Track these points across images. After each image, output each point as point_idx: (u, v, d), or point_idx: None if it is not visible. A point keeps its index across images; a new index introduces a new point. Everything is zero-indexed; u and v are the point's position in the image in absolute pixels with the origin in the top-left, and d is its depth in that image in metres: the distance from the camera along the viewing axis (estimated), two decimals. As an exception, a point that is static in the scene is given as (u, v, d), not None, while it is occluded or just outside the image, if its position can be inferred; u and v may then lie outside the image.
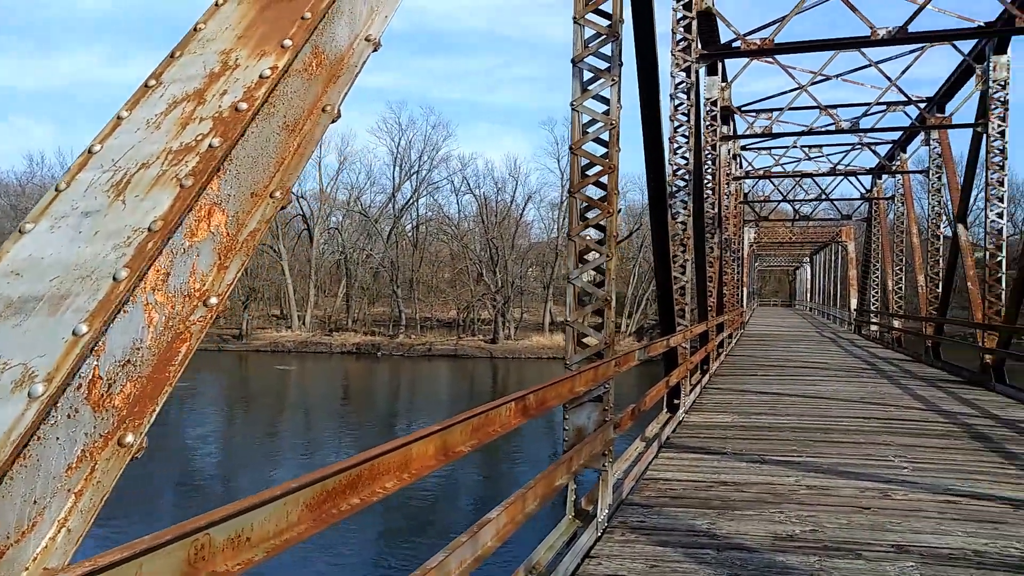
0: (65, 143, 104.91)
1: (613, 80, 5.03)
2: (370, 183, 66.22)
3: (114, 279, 1.25)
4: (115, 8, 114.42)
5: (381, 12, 1.89)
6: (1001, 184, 13.17)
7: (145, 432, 1.24)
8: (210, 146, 1.44)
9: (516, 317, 54.00)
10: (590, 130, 5.11)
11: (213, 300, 1.42)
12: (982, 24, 10.30)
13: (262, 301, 57.94)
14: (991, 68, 13.26)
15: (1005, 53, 13.24)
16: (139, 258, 1.27)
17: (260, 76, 1.56)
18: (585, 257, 5.17)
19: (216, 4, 1.74)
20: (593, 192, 5.14)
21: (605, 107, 5.07)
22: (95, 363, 1.19)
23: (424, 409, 28.74)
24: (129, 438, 1.22)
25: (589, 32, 5.14)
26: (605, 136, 5.06)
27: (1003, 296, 13.06)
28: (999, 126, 13.17)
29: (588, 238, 5.12)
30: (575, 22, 5.15)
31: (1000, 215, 13.28)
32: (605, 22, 5.13)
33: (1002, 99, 13.23)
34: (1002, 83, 13.24)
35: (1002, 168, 13.19)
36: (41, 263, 1.29)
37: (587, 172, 5.15)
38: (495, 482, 16.57)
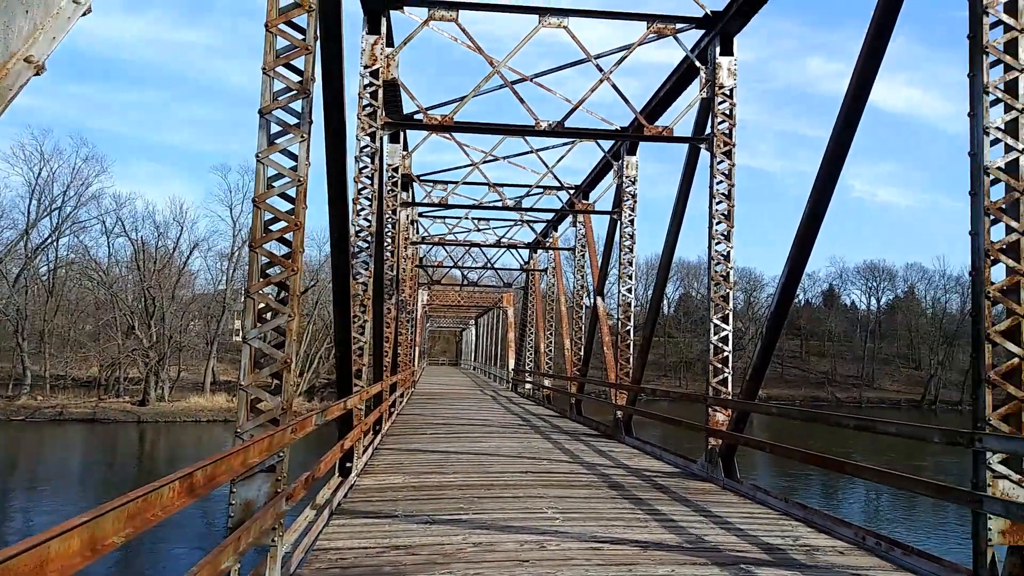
0: None
1: (303, 136, 4.93)
2: (-4, 217, 55.87)
3: None
4: None
5: (48, 32, 1.61)
6: (630, 264, 15.53)
7: None
8: None
9: (172, 376, 49.11)
10: (276, 184, 4.92)
11: None
12: (619, 128, 12.19)
13: None
14: (625, 166, 15.73)
15: (635, 155, 15.82)
16: None
17: None
18: (264, 316, 4.90)
19: None
20: (276, 248, 4.92)
21: (293, 163, 4.94)
22: None
23: (53, 487, 24.40)
24: None
25: (279, 85, 4.99)
26: (292, 192, 4.91)
27: (632, 359, 15.23)
28: (629, 215, 15.59)
29: (269, 296, 4.86)
30: (264, 73, 4.97)
31: (630, 290, 15.62)
32: (296, 77, 5.04)
33: (632, 193, 15.72)
34: (632, 179, 15.74)
35: (631, 250, 15.57)
36: None
37: (271, 227, 4.93)
38: (149, 567, 14.60)
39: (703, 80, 11.05)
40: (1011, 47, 5.38)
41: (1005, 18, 5.40)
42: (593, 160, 17.92)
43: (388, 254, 13.43)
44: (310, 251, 56.41)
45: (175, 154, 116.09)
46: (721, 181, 10.60)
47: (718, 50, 10.79)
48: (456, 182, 18.19)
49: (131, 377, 48.58)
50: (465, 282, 34.76)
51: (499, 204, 19.26)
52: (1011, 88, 5.35)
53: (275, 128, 4.95)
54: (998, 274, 5.23)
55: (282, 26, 5.04)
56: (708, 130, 10.94)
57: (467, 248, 28.85)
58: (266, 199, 4.87)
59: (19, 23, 1.53)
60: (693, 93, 11.29)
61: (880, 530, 6.38)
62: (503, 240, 25.94)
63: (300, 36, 5.07)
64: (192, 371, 52.91)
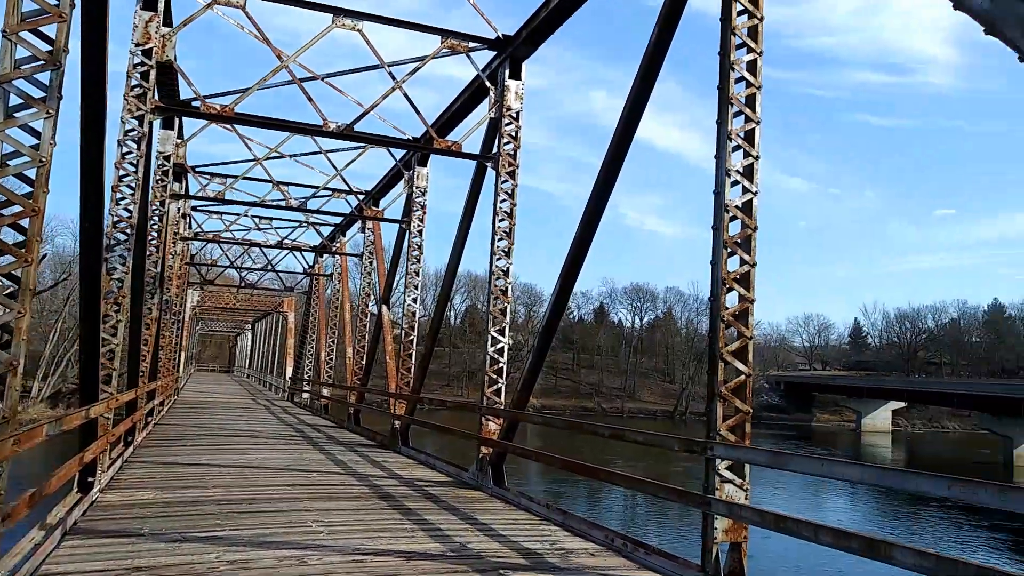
0: None
1: (49, 112, 4.39)
2: None
3: None
4: None
5: None
6: (417, 274, 15.62)
7: None
8: None
9: None
10: (12, 163, 4.34)
11: None
12: (410, 138, 12.26)
13: None
14: (415, 176, 15.82)
15: (426, 166, 15.98)
16: None
17: None
18: (-13, 311, 4.29)
19: None
20: (8, 236, 4.33)
21: (35, 140, 4.38)
22: None
23: None
24: None
25: (23, 52, 4.41)
26: (31, 173, 4.35)
27: (413, 369, 15.28)
28: (418, 225, 15.69)
29: (-7, 290, 4.27)
30: (4, 36, 4.37)
31: (415, 300, 15.69)
32: (45, 47, 4.49)
33: (422, 203, 15.84)
34: (422, 190, 15.87)
35: (419, 261, 15.68)
36: None
37: (2, 211, 4.33)
38: None
39: (492, 100, 11.45)
40: (751, 101, 6.17)
41: (747, 76, 6.18)
42: (386, 167, 17.84)
43: (153, 249, 12.36)
44: (64, 240, 50.49)
45: None
46: (504, 200, 11.01)
47: (507, 73, 11.23)
48: (236, 176, 17.14)
49: None
50: (243, 284, 32.82)
51: (283, 203, 18.48)
52: (749, 137, 6.13)
53: (15, 100, 4.37)
54: (733, 300, 5.94)
55: (30, -14, 4.48)
56: (495, 149, 11.32)
57: (246, 248, 27.29)
58: (-1, 178, 4.27)
59: None
60: (483, 112, 11.66)
61: (632, 532, 6.94)
62: (286, 242, 24.89)
63: (53, 1, 4.53)
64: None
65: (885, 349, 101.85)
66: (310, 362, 30.00)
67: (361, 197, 20.27)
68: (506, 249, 10.90)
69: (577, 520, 7.37)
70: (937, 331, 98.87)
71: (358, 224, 22.45)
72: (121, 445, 11.19)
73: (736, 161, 6.06)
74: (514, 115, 11.21)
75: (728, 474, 5.63)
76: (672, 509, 22.06)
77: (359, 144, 14.97)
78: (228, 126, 13.01)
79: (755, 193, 6.05)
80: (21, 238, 4.31)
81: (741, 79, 6.16)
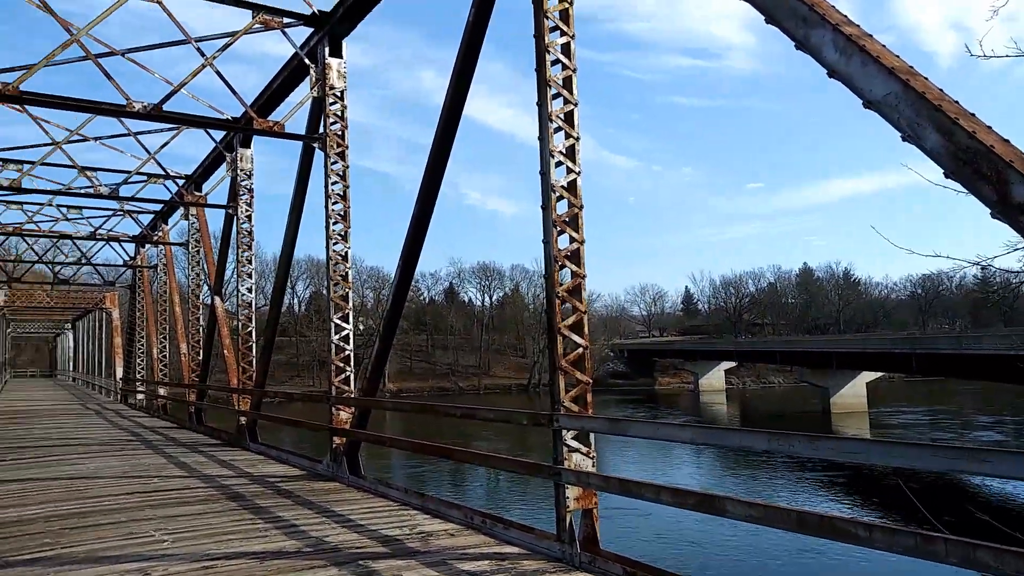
0: None
1: None
2: None
3: None
4: None
5: None
6: (250, 261, 14.85)
7: None
8: None
9: None
10: None
11: None
12: (229, 118, 11.52)
13: None
14: (239, 158, 14.95)
15: (249, 147, 15.11)
16: None
17: None
18: None
19: None
20: None
21: None
22: None
23: None
24: None
25: None
26: None
27: (255, 362, 14.59)
28: (246, 210, 14.87)
29: None
30: None
31: (250, 289, 14.93)
32: None
33: (248, 187, 15.00)
34: (248, 173, 15.03)
35: (250, 247, 14.89)
36: None
37: None
38: None
39: (314, 79, 11.01)
40: (568, 83, 6.29)
41: (563, 58, 6.30)
42: (208, 148, 16.72)
43: (-62, 247, 10.93)
44: None
45: None
46: (336, 182, 10.67)
47: (327, 50, 10.84)
48: (33, 162, 15.36)
49: None
50: (56, 280, 29.83)
51: (92, 191, 16.87)
52: (569, 118, 6.26)
53: None
54: (566, 277, 6.09)
55: None
56: (321, 129, 10.93)
57: (55, 240, 24.72)
58: None
59: None
60: (305, 91, 11.18)
61: (494, 509, 7.01)
62: (101, 232, 22.75)
63: None
64: None
65: (714, 314, 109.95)
66: (142, 360, 27.94)
67: (181, 182, 18.94)
68: (342, 233, 10.59)
69: (435, 502, 7.36)
70: (757, 294, 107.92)
71: (181, 211, 20.95)
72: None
73: (559, 142, 6.18)
74: (338, 94, 10.85)
75: (574, 443, 5.80)
76: (533, 483, 22.67)
77: (172, 126, 13.92)
78: (16, 106, 11.63)
79: (578, 173, 6.18)
80: None
81: (557, 62, 6.26)
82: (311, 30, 11.00)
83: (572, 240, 6.10)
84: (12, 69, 9.57)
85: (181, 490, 8.99)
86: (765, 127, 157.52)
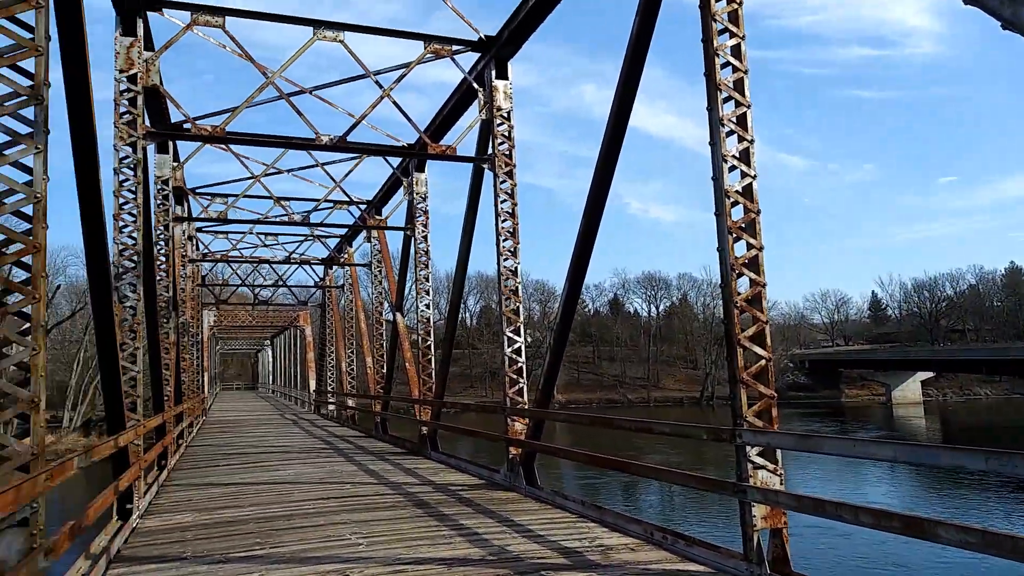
0: None
1: (38, 148, 4.35)
2: None
3: None
4: None
5: None
6: (427, 279, 15.58)
7: None
8: None
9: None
10: (7, 201, 4.30)
11: None
12: (405, 145, 12.19)
13: None
14: (414, 182, 15.75)
15: (423, 171, 15.90)
16: None
17: None
18: (4, 350, 4.26)
19: None
20: (14, 274, 4.30)
21: (28, 177, 4.35)
22: None
23: None
24: None
25: (4, 89, 4.36)
26: (28, 210, 4.32)
27: (434, 374, 15.23)
28: (422, 231, 15.63)
29: (6, 327, 4.23)
30: (-16, 73, 4.33)
31: (428, 305, 15.65)
32: (26, 82, 4.44)
33: (424, 209, 15.78)
34: (423, 196, 15.81)
35: (427, 266, 15.63)
36: None
37: (4, 250, 4.30)
38: None
39: (482, 102, 11.38)
40: (739, 85, 6.05)
41: (733, 60, 6.07)
42: (386, 173, 17.78)
43: (162, 273, 12.37)
44: (76, 270, 50.85)
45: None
46: (505, 200, 10.93)
47: (494, 73, 11.18)
48: (237, 195, 17.13)
49: None
50: (256, 301, 32.93)
51: (286, 219, 18.48)
52: (742, 121, 6.02)
53: (3, 138, 4.33)
54: (744, 286, 5.82)
55: (4, 22, 4.44)
56: (490, 150, 11.24)
57: (255, 265, 27.38)
58: (-4, 219, 4.24)
59: None
60: (474, 114, 11.58)
61: (671, 525, 6.83)
62: (294, 256, 24.89)
63: (28, 35, 4.49)
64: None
65: (906, 320, 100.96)
66: (332, 373, 30.07)
67: (363, 207, 20.24)
68: (512, 249, 10.81)
69: (614, 515, 7.28)
70: (957, 298, 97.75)
71: (363, 234, 22.43)
72: (155, 470, 11.23)
73: (731, 146, 5.97)
74: (505, 115, 11.13)
75: (760, 460, 5.52)
76: (707, 499, 21.87)
77: (354, 155, 14.91)
78: (222, 146, 12.97)
79: (754, 177, 5.94)
80: (26, 275, 4.28)
81: (727, 64, 6.05)
82: (478, 55, 11.42)
83: (749, 247, 5.85)
84: (217, 113, 10.72)
85: (372, 496, 9.47)
86: (955, 116, 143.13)
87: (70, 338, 49.92)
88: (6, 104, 4.32)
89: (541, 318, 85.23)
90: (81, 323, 48.99)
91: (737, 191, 5.90)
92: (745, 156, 5.97)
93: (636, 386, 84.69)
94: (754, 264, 5.84)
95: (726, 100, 6.01)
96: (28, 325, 4.26)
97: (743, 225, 5.86)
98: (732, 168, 5.93)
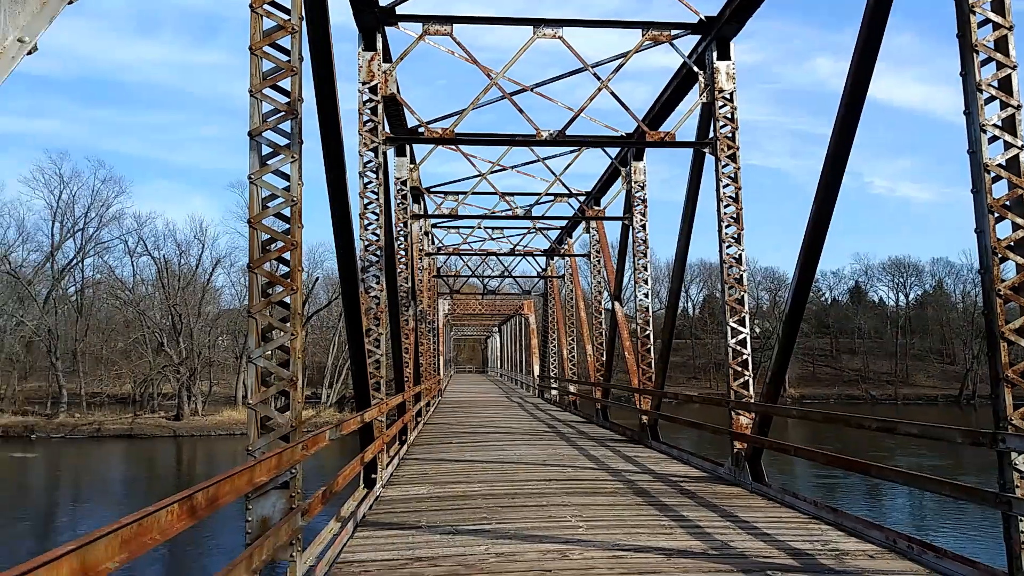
0: None
1: (294, 157, 4.95)
2: (22, 240, 57.25)
3: None
4: None
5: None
6: (645, 268, 15.45)
7: None
8: None
9: (204, 390, 49.66)
10: (270, 205, 4.95)
11: None
12: (623, 135, 12.14)
13: None
14: (632, 171, 15.65)
15: (642, 160, 15.73)
16: None
17: None
18: (268, 335, 4.90)
19: None
20: (274, 268, 4.93)
21: (286, 183, 4.96)
22: None
23: (97, 503, 24.71)
24: None
25: (267, 107, 5.02)
26: (287, 212, 4.94)
27: (653, 364, 15.09)
28: (641, 220, 15.50)
29: (270, 315, 4.87)
30: (252, 95, 4.99)
31: (646, 294, 15.51)
32: (284, 99, 5.06)
33: (642, 198, 15.63)
34: (641, 184, 15.66)
35: (645, 255, 15.50)
36: None
37: (268, 247, 4.95)
38: (186, 571, 14.75)
39: (702, 85, 10.99)
40: (1002, 44, 5.29)
41: (993, 16, 5.31)
42: (604, 164, 17.88)
43: (402, 266, 13.47)
44: (331, 263, 56.79)
45: (192, 173, 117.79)
46: (728, 184, 10.49)
47: (715, 55, 10.74)
48: (466, 192, 18.24)
49: (165, 393, 49.20)
50: (485, 291, 34.81)
51: (510, 213, 19.27)
52: (1005, 85, 5.27)
53: (266, 149, 4.98)
54: (1009, 271, 5.10)
55: (267, 48, 5.05)
56: (711, 134, 10.86)
57: (484, 257, 28.95)
58: (261, 219, 4.89)
59: None
60: (694, 98, 11.24)
61: (920, 535, 6.22)
62: (518, 248, 25.94)
63: (285, 58, 5.10)
64: (224, 385, 53.49)
65: None
66: (554, 360, 30.91)
67: (582, 199, 20.49)
68: (735, 235, 10.37)
69: (852, 519, 6.76)
70: None
71: (583, 225, 22.75)
72: (396, 444, 12.28)
73: (991, 114, 5.26)
74: (727, 96, 10.67)
75: (1028, 468, 4.82)
76: (968, 511, 19.50)
77: (573, 147, 15.12)
78: (452, 146, 13.81)
79: (1021, 148, 5.17)
80: (286, 269, 4.92)
81: (985, 21, 5.32)
82: (698, 37, 11.08)
83: (1016, 227, 5.12)
84: (448, 116, 11.45)
85: (592, 481, 9.60)
86: None
87: (327, 324, 56.02)
88: (268, 120, 4.99)
89: (771, 307, 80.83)
90: (336, 311, 54.71)
91: (999, 164, 5.21)
92: (1009, 124, 5.25)
93: (881, 382, 77.50)
94: (1021, 247, 5.11)
95: (984, 62, 5.31)
96: (288, 313, 4.89)
97: (1007, 203, 5.16)
98: (993, 139, 5.25)
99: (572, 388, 25.39)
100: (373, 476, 8.75)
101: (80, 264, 54.75)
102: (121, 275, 56.45)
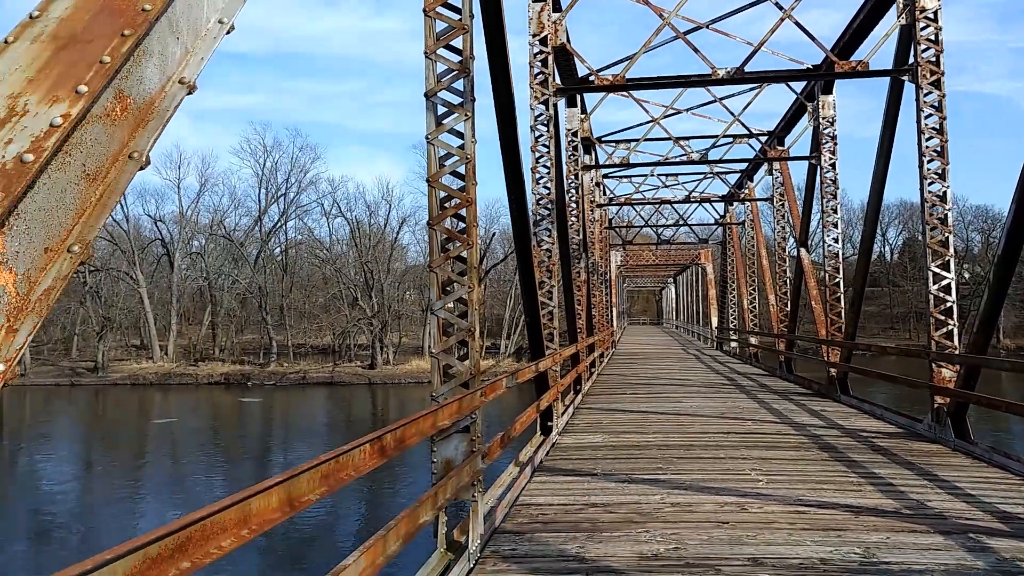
0: None
1: (467, 115, 5.09)
2: (234, 206, 63.78)
3: None
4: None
5: (197, 54, 1.82)
6: (835, 211, 14.39)
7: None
8: (-11, 202, 1.33)
9: (395, 341, 53.26)
10: (447, 163, 5.14)
11: (0, 366, 1.29)
12: (809, 67, 11.26)
13: (119, 331, 54.19)
14: (820, 106, 14.51)
15: (831, 93, 14.52)
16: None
17: (51, 124, 1.45)
18: (448, 288, 5.16)
19: (5, 42, 1.61)
20: (452, 224, 5.15)
21: (460, 141, 5.13)
22: None
23: (305, 439, 27.62)
24: None
25: (441, 67, 5.18)
26: (461, 170, 5.11)
27: (843, 313, 14.18)
28: (830, 159, 14.40)
29: (449, 269, 5.12)
30: (427, 56, 5.17)
31: (836, 239, 14.50)
32: (456, 58, 5.19)
33: (831, 134, 14.49)
34: (830, 120, 14.50)
35: (835, 197, 14.42)
36: None
37: (445, 204, 5.18)
38: (378, 507, 16.19)
39: (900, 5, 9.93)
40: None
41: None
42: (788, 101, 16.75)
43: (573, 218, 13.52)
44: (507, 219, 58.13)
45: (378, 137, 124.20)
46: (930, 115, 9.48)
47: (916, -32, 9.61)
48: (638, 140, 17.82)
49: (360, 344, 53.41)
50: (659, 240, 34.14)
51: (685, 158, 18.62)
52: None
53: (441, 109, 5.16)
54: None
55: (439, 9, 5.19)
56: (911, 60, 9.82)
57: (657, 206, 28.30)
58: (439, 178, 5.11)
59: (172, 49, 1.75)
60: (891, 21, 10.16)
61: None
62: (694, 195, 25.06)
63: (456, 16, 5.21)
64: (412, 336, 56.96)
65: None
66: (733, 311, 29.89)
67: (764, 139, 19.35)
68: (939, 171, 9.40)
69: (1076, 484, 6.07)
70: None
71: (764, 167, 21.53)
72: (571, 394, 12.54)
73: None
74: (930, 16, 9.58)
75: None
76: None
77: (753, 84, 14.26)
78: (623, 93, 13.52)
79: None
80: (463, 225, 5.13)
81: None
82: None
83: None
84: (618, 62, 11.22)
85: (773, 435, 9.30)
86: None
87: (503, 278, 57.75)
88: (442, 80, 5.18)
89: (983, 250, 72.61)
90: (512, 265, 56.14)
91: None
92: None
93: (1124, 332, 67.57)
94: None
95: None
96: (465, 267, 5.12)
97: None
98: None
99: (753, 340, 24.49)
100: (549, 424, 9.02)
101: (284, 226, 59.98)
102: (319, 235, 61.32)
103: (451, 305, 5.09)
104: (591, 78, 11.02)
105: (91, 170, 1.52)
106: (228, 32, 1.99)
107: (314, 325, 56.81)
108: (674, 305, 65.03)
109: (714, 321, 35.56)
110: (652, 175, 22.87)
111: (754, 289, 26.00)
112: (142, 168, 1.64)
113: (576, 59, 11.33)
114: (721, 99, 15.50)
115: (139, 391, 44.06)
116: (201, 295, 58.78)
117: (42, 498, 18.46)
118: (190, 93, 1.79)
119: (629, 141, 19.05)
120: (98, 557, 1.46)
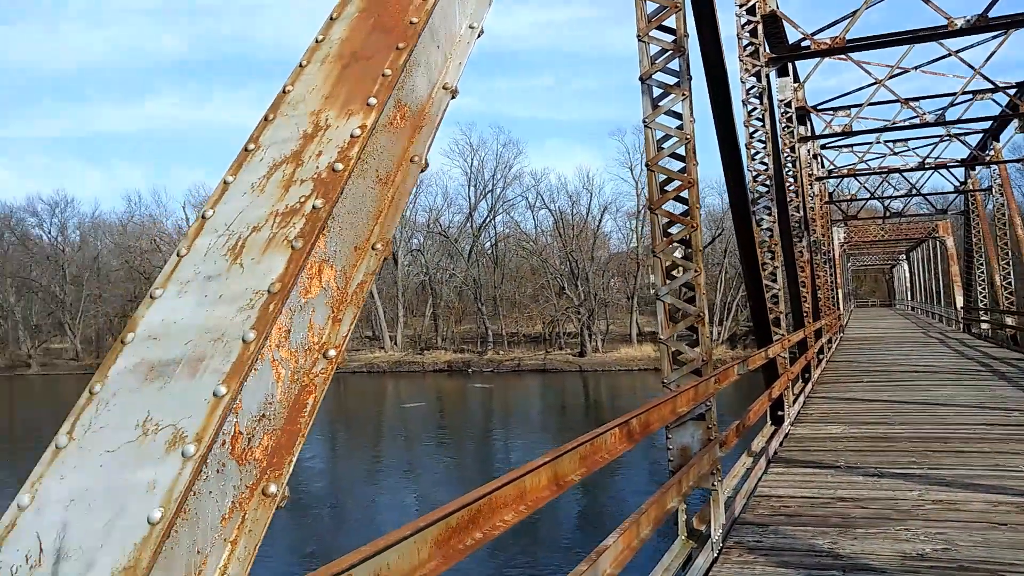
0: (159, 183, 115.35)
1: (684, 95, 4.99)
2: (447, 204, 67.70)
3: (243, 340, 1.32)
4: (191, 51, 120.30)
5: (455, 60, 1.95)
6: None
7: (286, 482, 1.32)
8: (314, 207, 1.51)
9: (602, 329, 53.71)
10: (665, 146, 5.08)
11: (332, 352, 1.48)
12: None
13: (355, 323, 60.19)
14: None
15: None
16: (263, 319, 1.35)
17: (351, 135, 1.62)
18: (672, 273, 5.10)
19: (300, 66, 1.81)
20: (674, 207, 5.09)
21: (678, 122, 5.04)
22: (235, 420, 1.27)
23: (524, 429, 28.73)
24: (272, 488, 1.30)
25: (654, 49, 5.12)
26: (681, 151, 5.03)
27: None
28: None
29: (673, 254, 5.06)
30: (639, 40, 5.13)
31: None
32: (670, 37, 5.10)
33: (1107, 74, 12.38)
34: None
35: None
36: (174, 327, 1.38)
37: (666, 188, 5.12)
38: (595, 505, 16.40)
39: None
40: None
41: None
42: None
43: (792, 195, 12.75)
44: (710, 199, 56.31)
45: (575, 127, 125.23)
46: None
47: None
48: (859, 105, 16.30)
49: (568, 332, 54.56)
50: (887, 214, 31.13)
51: (916, 121, 16.78)
52: None
53: (657, 92, 5.11)
54: None
55: (651, -11, 5.15)
56: None
57: (884, 176, 25.75)
58: (658, 161, 5.06)
59: (435, 58, 1.89)
60: None
61: None
62: (928, 161, 22.50)
63: (668, -5, 5.12)
64: (618, 324, 57.05)
65: None
66: (983, 288, 26.60)
67: (1012, 92, 16.94)
68: None
69: None
70: None
71: (1014, 124, 18.82)
72: (800, 382, 11.89)
73: None
74: None
75: None
76: None
77: (998, 31, 12.56)
78: (841, 57, 12.49)
79: None
80: (684, 208, 5.04)
81: None
82: None
83: None
84: (834, 24, 10.39)
85: (1049, 428, 8.22)
86: None
87: (712, 261, 55.90)
88: (656, 62, 5.13)
89: None
90: (719, 248, 54.29)
91: None
92: None
93: None
94: None
95: None
96: (689, 251, 5.03)
97: None
98: None
99: (1009, 320, 21.65)
100: (780, 413, 8.63)
101: (492, 221, 62.62)
102: (525, 228, 63.25)
103: (677, 290, 5.02)
104: (805, 43, 10.32)
105: (383, 175, 1.69)
106: (479, 36, 2.11)
107: (525, 314, 58.83)
108: (907, 284, 59.22)
109: (959, 300, 31.88)
110: (878, 142, 20.92)
111: (1007, 263, 22.97)
112: (422, 171, 1.80)
113: (787, 25, 10.67)
114: (957, 52, 13.81)
115: (376, 378, 48.41)
116: (423, 289, 63.12)
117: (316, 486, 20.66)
118: (453, 97, 1.93)
119: (848, 108, 17.53)
120: (412, 524, 1.63)
